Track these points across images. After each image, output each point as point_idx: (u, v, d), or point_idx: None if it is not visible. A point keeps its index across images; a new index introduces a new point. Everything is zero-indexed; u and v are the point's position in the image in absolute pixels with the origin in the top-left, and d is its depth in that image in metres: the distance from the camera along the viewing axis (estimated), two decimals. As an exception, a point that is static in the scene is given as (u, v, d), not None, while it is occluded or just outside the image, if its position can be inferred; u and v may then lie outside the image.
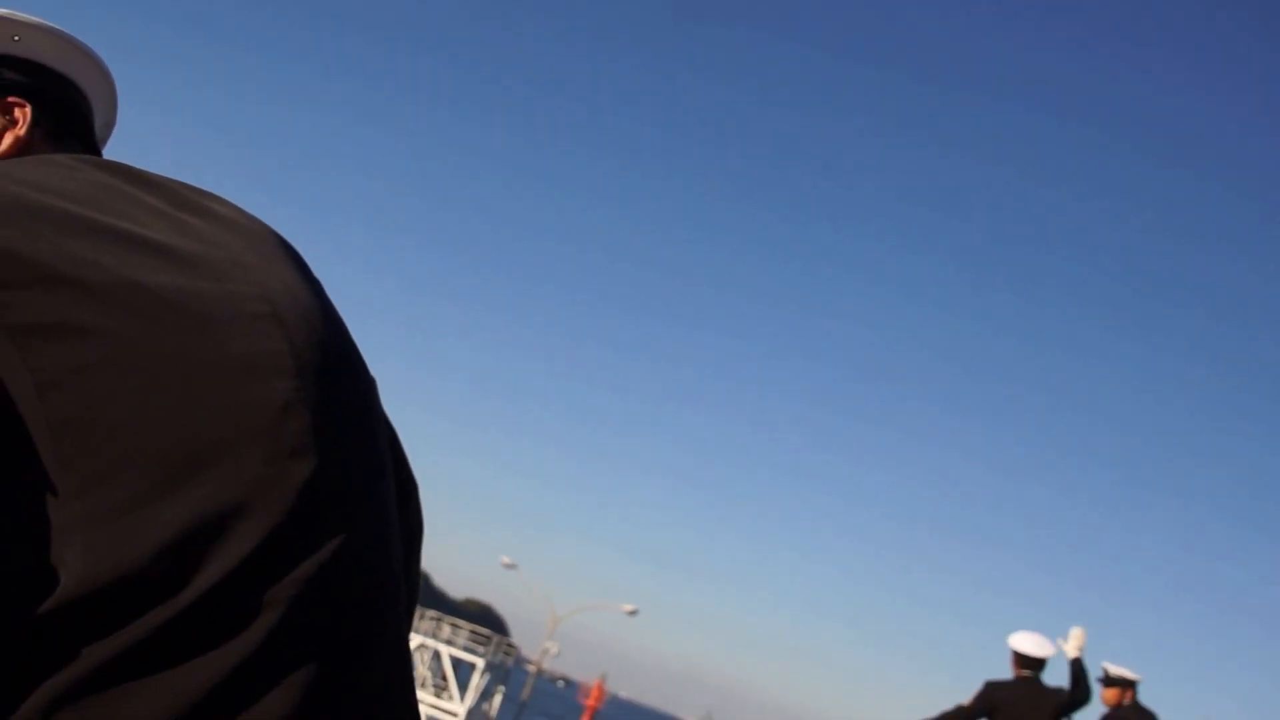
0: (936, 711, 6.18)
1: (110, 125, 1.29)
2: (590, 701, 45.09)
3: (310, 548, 0.79)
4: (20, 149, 1.10)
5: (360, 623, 0.81)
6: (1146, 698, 6.35)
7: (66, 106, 1.17)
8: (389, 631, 0.85)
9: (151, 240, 0.83)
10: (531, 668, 42.44)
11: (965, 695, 6.21)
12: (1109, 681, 6.26)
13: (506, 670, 41.21)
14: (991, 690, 6.07)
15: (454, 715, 36.51)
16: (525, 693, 40.54)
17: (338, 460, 0.82)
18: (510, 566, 38.33)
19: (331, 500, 0.81)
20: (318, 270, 1.00)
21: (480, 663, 37.92)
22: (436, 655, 37.70)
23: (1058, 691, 6.01)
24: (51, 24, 1.17)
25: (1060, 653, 6.15)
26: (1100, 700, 6.26)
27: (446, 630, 39.47)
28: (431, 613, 41.01)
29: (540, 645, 39.23)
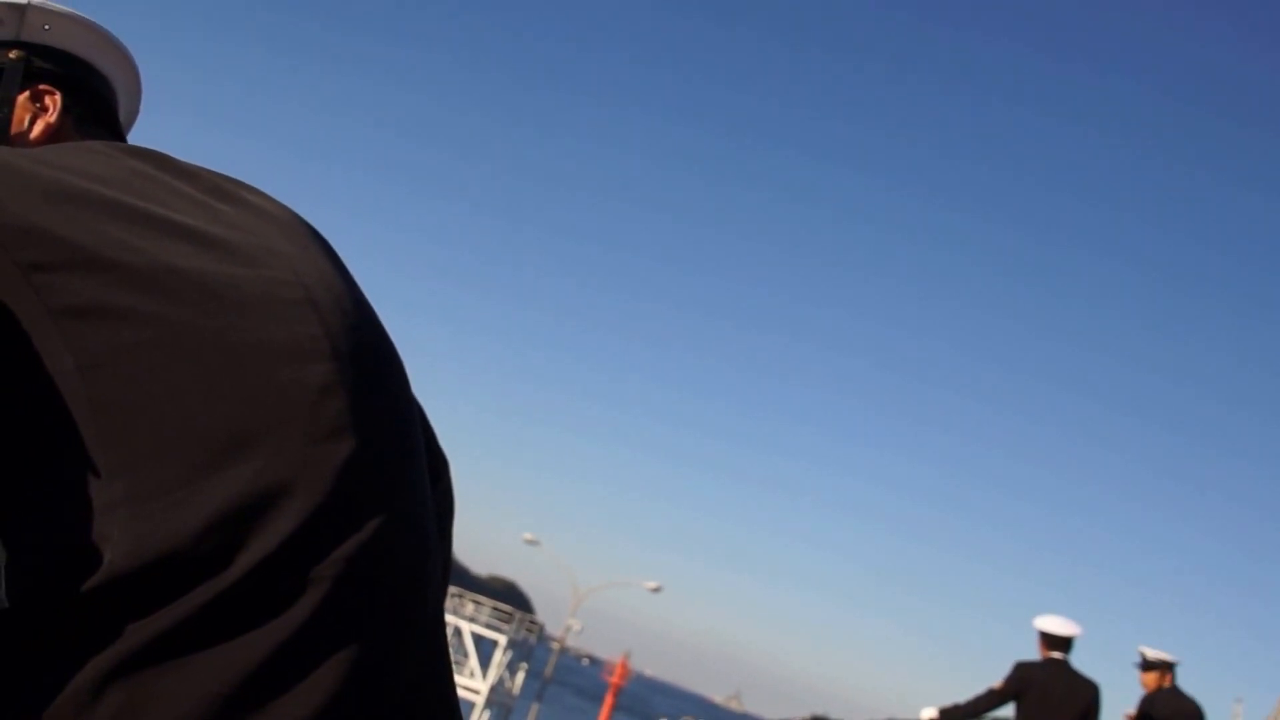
0: (966, 694, 6.21)
1: (133, 115, 1.33)
2: (614, 679, 45.36)
3: (351, 528, 0.82)
4: (50, 135, 1.14)
5: (400, 601, 0.85)
6: (1182, 680, 6.32)
7: (94, 95, 1.21)
8: (427, 610, 0.89)
9: (187, 226, 0.87)
10: (555, 645, 42.74)
11: (990, 676, 6.23)
12: (1147, 665, 6.24)
13: (530, 647, 41.49)
14: (1023, 671, 6.06)
15: (476, 693, 36.84)
16: (548, 670, 40.85)
17: (374, 442, 0.86)
18: (533, 543, 38.52)
19: (370, 481, 0.84)
20: (347, 258, 1.04)
21: (503, 640, 38.18)
22: (458, 632, 37.97)
23: (1090, 683, 6.00)
24: (81, 14, 1.20)
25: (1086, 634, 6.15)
26: (1140, 685, 6.25)
27: (469, 607, 39.75)
28: (454, 589, 41.24)
29: (564, 622, 39.47)
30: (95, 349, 0.77)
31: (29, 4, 1.16)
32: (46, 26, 1.18)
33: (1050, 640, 6.08)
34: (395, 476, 0.88)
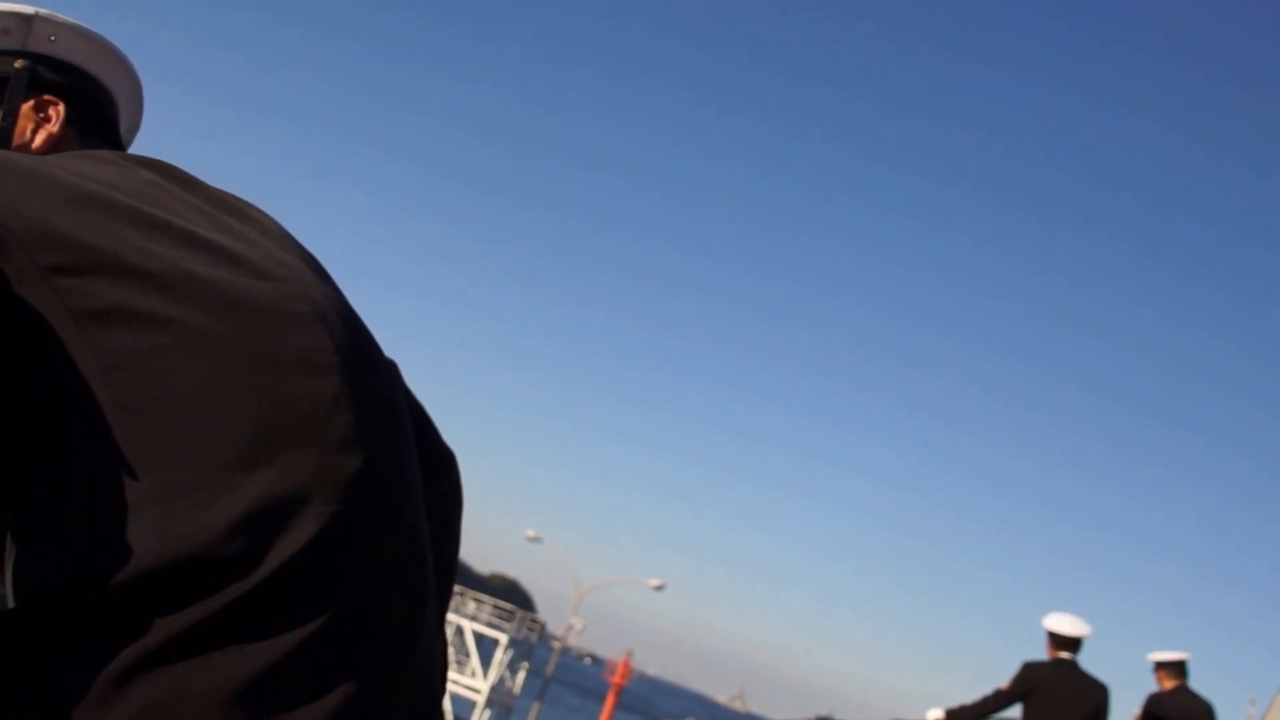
0: (973, 695, 6.22)
1: (134, 130, 1.36)
2: (616, 679, 45.38)
3: (362, 539, 0.86)
4: (53, 146, 1.16)
5: (408, 610, 0.90)
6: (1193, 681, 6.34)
7: (97, 107, 1.23)
8: (426, 624, 0.94)
9: (200, 237, 0.91)
10: (557, 644, 42.78)
11: (998, 676, 6.24)
12: (1158, 665, 6.27)
13: (531, 646, 41.51)
14: (1030, 671, 6.07)
15: (477, 692, 36.90)
16: (550, 669, 40.89)
17: (378, 456, 0.91)
18: (535, 540, 38.56)
19: (376, 494, 0.89)
20: (347, 268, 1.08)
21: (504, 638, 38.23)
22: (459, 631, 38.03)
23: (1099, 684, 6.01)
24: (86, 26, 1.23)
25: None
26: (1157, 684, 6.27)
27: (470, 605, 39.78)
28: (455, 587, 40.89)
29: (566, 621, 39.51)
30: (118, 351, 0.81)
31: (36, 15, 1.19)
32: (52, 38, 1.20)
33: (1058, 640, 6.09)
34: (398, 490, 0.93)
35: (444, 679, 1.01)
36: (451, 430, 1.17)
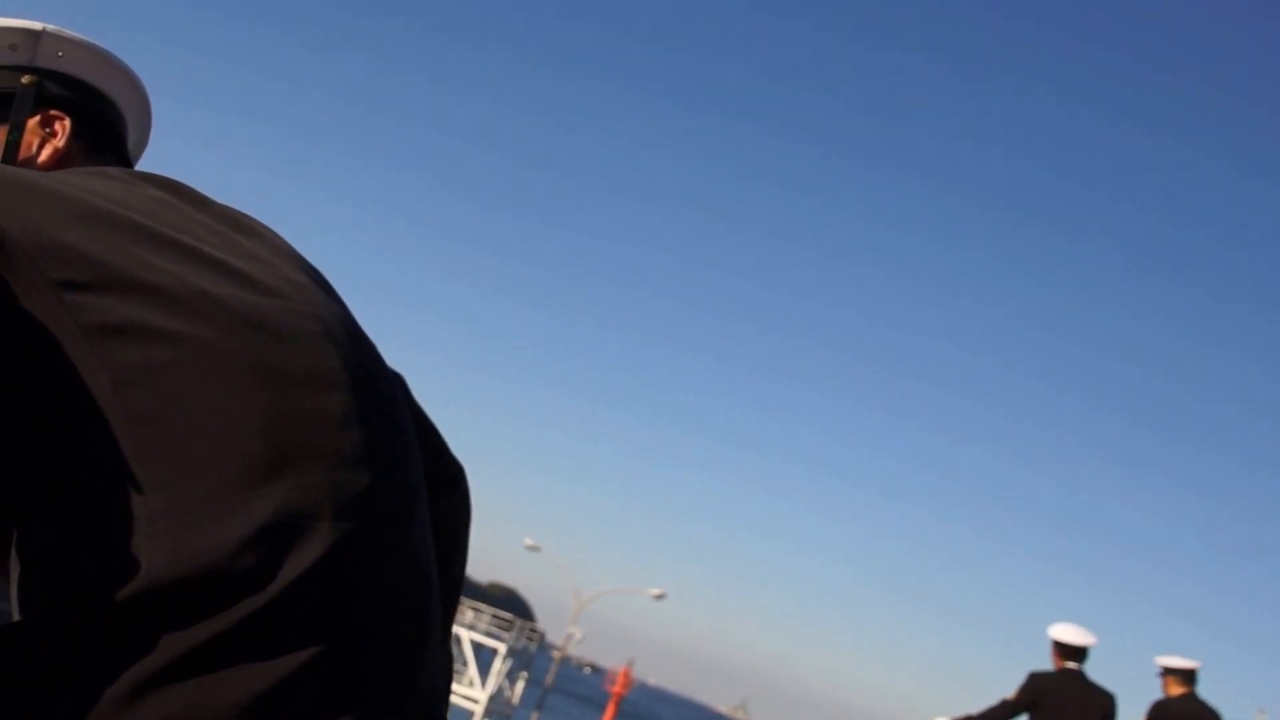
0: (979, 704, 6.22)
1: (142, 145, 1.37)
2: (616, 688, 45.32)
3: (372, 553, 0.87)
4: (58, 161, 1.17)
5: (414, 627, 0.91)
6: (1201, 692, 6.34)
7: (103, 122, 1.24)
8: (434, 634, 0.95)
9: (210, 255, 0.92)
10: (556, 653, 42.73)
11: (1004, 686, 6.23)
12: (1165, 672, 6.27)
13: (530, 656, 41.42)
14: (1037, 681, 6.08)
15: (475, 702, 36.84)
16: (549, 679, 40.84)
17: (386, 471, 0.92)
18: (534, 549, 38.53)
19: (385, 509, 0.90)
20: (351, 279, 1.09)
21: (503, 648, 38.17)
22: (457, 640, 37.95)
23: (1106, 693, 6.01)
24: (94, 42, 1.24)
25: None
26: (1163, 690, 6.27)
27: (469, 614, 39.72)
28: (453, 596, 40.76)
29: (565, 630, 39.46)
30: (129, 366, 0.82)
31: (44, 30, 1.20)
32: (60, 53, 1.21)
33: (1064, 650, 6.09)
34: (404, 506, 0.94)
35: (448, 695, 1.01)
36: (450, 438, 1.19)
